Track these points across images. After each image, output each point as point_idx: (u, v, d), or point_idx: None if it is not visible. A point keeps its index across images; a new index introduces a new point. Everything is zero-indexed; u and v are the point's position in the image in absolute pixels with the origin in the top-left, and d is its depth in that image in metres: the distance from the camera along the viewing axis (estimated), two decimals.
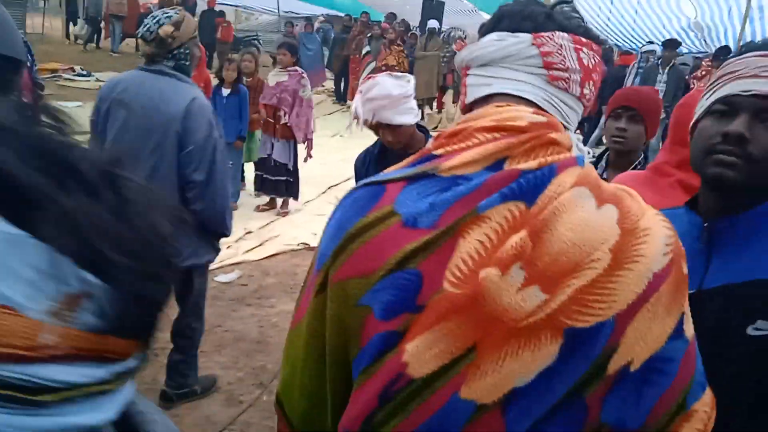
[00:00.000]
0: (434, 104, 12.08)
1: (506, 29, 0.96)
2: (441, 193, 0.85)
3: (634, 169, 2.26)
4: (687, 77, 8.74)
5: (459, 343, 0.82)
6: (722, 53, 8.28)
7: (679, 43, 9.00)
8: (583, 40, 0.96)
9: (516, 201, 0.83)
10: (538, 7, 0.97)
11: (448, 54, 11.50)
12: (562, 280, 0.81)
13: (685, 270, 0.88)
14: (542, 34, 0.93)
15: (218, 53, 13.70)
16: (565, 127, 0.94)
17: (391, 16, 13.11)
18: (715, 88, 1.13)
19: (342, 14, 16.38)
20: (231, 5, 15.94)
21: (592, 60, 0.96)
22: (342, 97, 13.08)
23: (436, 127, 11.01)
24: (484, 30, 1.00)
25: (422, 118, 11.78)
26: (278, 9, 15.79)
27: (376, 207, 0.88)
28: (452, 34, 12.72)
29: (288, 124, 5.64)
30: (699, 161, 1.12)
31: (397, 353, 0.83)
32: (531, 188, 0.84)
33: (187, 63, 2.64)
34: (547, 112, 0.93)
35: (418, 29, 13.40)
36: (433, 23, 11.99)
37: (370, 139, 2.55)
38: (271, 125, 5.72)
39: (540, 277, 0.81)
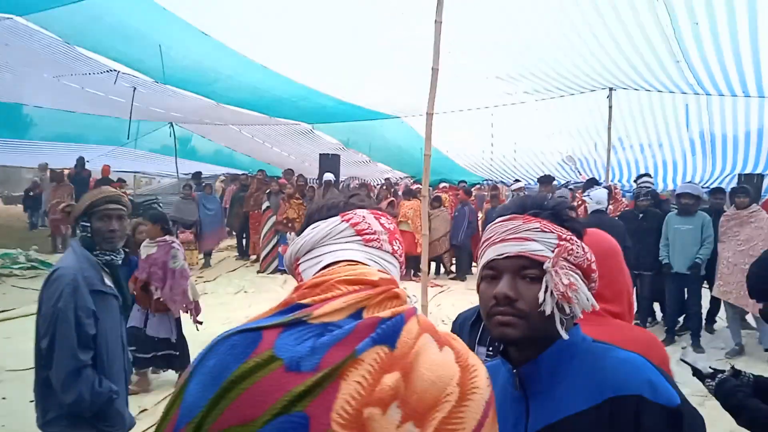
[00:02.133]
0: None
1: (317, 220, 1.20)
2: (318, 338, 0.94)
3: None
4: None
5: None
6: (590, 184, 9.07)
7: (553, 178, 9.80)
8: (378, 212, 1.22)
9: (381, 345, 0.95)
10: (336, 199, 1.23)
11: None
12: (429, 414, 0.92)
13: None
14: (346, 212, 1.19)
15: None
16: None
17: (289, 172, 13.59)
18: (481, 254, 1.28)
19: (240, 172, 16.84)
20: (128, 171, 16.04)
21: (391, 224, 1.22)
22: (245, 252, 13.11)
23: None
24: (298, 232, 1.22)
25: None
26: (177, 171, 15.99)
27: (255, 353, 0.92)
28: (350, 184, 13.32)
29: (161, 299, 5.35)
30: (486, 323, 1.23)
31: None
32: (390, 334, 0.96)
33: (89, 235, 2.79)
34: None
35: (316, 182, 13.91)
36: (329, 176, 12.53)
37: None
38: (145, 299, 5.43)
39: (413, 413, 0.91)
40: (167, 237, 5.51)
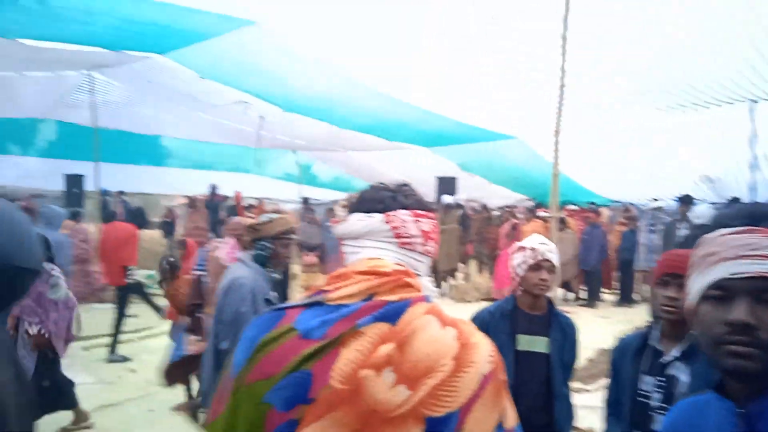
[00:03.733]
0: (456, 275, 12.11)
1: (365, 211, 1.35)
2: (328, 314, 1.16)
3: (693, 338, 2.10)
4: None
5: (346, 430, 1.07)
6: (733, 204, 8.34)
7: (693, 198, 9.13)
8: (420, 212, 1.35)
9: (383, 321, 1.15)
10: (386, 192, 1.37)
11: (465, 225, 11.77)
12: (421, 379, 1.09)
13: (503, 377, 1.16)
14: (390, 213, 1.32)
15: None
16: (417, 274, 1.31)
17: None
18: (702, 270, 1.09)
19: None
20: (257, 197, 16.83)
21: (429, 225, 1.35)
22: None
23: (463, 298, 10.93)
24: (350, 210, 1.39)
25: (449, 289, 11.75)
26: (300, 197, 16.59)
27: (278, 325, 1.18)
28: (471, 205, 13.15)
29: (44, 334, 4.56)
30: (711, 351, 1.07)
31: None
32: (393, 313, 1.16)
33: (265, 255, 3.18)
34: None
35: (434, 205, 13.86)
36: (448, 198, 12.40)
37: None
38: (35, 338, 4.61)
39: (406, 377, 1.09)
40: (47, 264, 4.55)
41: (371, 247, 1.32)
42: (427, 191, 15.21)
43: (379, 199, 1.35)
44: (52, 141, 14.59)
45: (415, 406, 1.07)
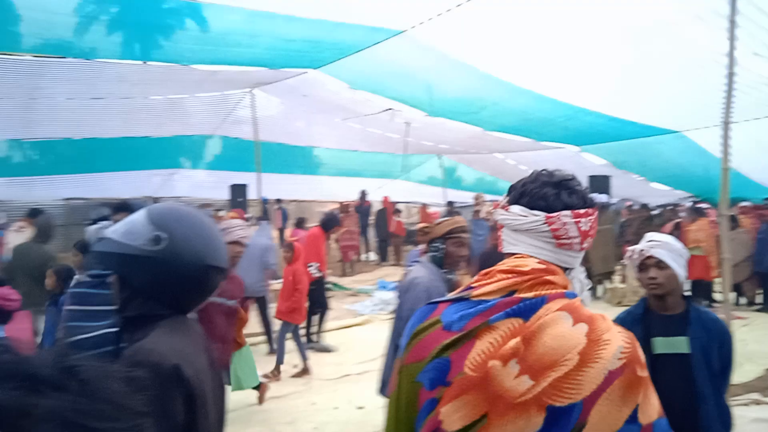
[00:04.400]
0: (612, 278, 11.52)
1: (527, 205, 1.39)
2: (468, 309, 1.31)
3: None
4: None
5: (476, 411, 1.21)
6: None
7: None
8: (581, 212, 1.38)
9: (516, 317, 1.26)
10: (549, 189, 1.39)
11: (622, 226, 11.18)
12: (545, 372, 1.18)
13: (641, 373, 1.20)
14: (552, 215, 1.36)
15: (394, 246, 14.61)
16: (567, 269, 1.40)
17: None
18: None
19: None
20: (403, 202, 17.21)
21: (588, 224, 1.39)
22: None
23: (620, 302, 10.39)
24: (511, 199, 1.44)
25: (604, 292, 11.25)
26: (445, 200, 16.70)
27: (429, 317, 1.38)
28: (621, 205, 12.49)
29: None
30: None
31: (435, 413, 1.26)
32: (527, 309, 1.26)
33: (439, 255, 3.34)
34: (553, 263, 1.37)
35: None
36: (602, 197, 11.86)
37: None
38: None
39: (529, 369, 1.19)
40: None
41: (527, 243, 1.39)
42: None
43: (542, 195, 1.39)
44: (218, 155, 15.85)
45: (538, 395, 1.17)
